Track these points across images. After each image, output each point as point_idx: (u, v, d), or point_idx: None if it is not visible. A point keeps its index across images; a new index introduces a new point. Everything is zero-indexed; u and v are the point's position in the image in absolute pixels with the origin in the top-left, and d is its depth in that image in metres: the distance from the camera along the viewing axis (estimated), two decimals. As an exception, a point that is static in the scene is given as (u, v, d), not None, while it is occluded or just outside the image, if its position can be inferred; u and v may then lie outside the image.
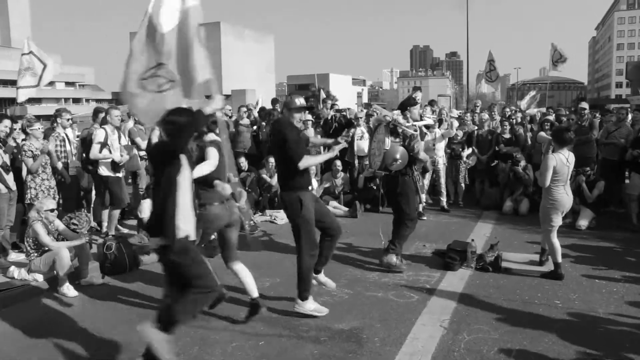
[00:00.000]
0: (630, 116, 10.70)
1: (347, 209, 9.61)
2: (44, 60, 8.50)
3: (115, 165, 7.34)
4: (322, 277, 5.29)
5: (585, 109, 9.87)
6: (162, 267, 3.91)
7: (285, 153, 4.69)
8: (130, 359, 4.08)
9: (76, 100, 67.69)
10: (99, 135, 7.22)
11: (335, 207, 9.70)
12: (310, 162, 4.82)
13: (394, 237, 6.23)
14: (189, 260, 3.71)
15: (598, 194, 8.57)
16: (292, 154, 4.63)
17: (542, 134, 9.33)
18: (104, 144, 7.19)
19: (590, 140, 9.36)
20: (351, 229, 8.43)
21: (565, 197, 5.84)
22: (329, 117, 11.60)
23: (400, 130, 6.13)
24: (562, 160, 5.78)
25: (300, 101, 4.82)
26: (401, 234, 6.23)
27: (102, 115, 7.80)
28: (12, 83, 53.65)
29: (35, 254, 5.73)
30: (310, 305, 4.87)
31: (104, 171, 7.32)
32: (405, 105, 6.46)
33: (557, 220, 5.87)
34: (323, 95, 14.26)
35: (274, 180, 9.72)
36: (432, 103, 12.69)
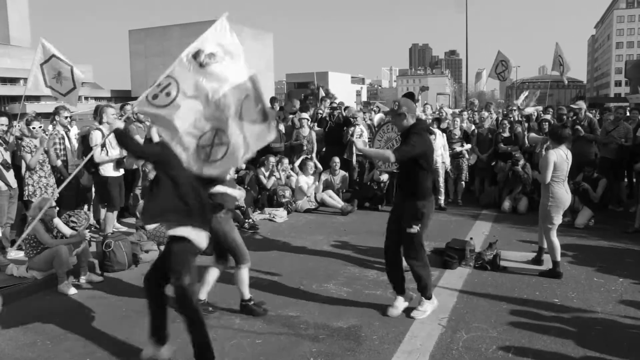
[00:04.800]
0: (628, 115, 10.70)
1: (343, 203, 9.66)
2: (68, 61, 8.27)
3: (119, 163, 7.36)
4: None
5: (581, 108, 9.88)
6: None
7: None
8: (129, 356, 4.08)
9: (75, 98, 67.22)
10: (96, 137, 7.18)
11: (331, 197, 9.80)
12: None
13: None
14: None
15: (602, 192, 8.60)
16: None
17: (533, 135, 9.33)
18: (102, 145, 7.17)
19: (591, 141, 9.39)
20: (350, 227, 8.44)
21: (565, 194, 5.86)
22: (325, 116, 11.59)
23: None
24: (562, 156, 5.80)
25: None
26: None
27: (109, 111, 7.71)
28: (11, 80, 53.63)
29: (35, 252, 5.73)
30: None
31: (106, 172, 7.31)
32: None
33: (558, 219, 5.88)
34: (322, 93, 14.26)
35: (270, 182, 9.71)
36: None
